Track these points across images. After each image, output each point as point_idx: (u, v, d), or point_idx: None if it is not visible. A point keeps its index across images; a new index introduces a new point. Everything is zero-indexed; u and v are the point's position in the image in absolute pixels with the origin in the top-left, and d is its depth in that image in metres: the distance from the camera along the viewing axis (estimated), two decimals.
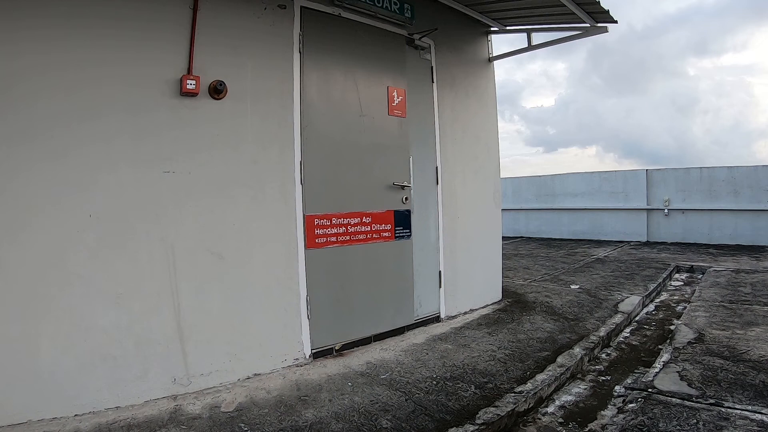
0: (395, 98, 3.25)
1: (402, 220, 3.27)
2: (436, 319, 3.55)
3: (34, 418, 1.94)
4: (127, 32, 2.17)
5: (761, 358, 2.62)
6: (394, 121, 3.25)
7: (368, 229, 3.09)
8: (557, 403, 2.38)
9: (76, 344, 2.05)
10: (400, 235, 3.26)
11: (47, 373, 1.98)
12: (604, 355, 3.04)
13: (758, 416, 1.98)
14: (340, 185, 2.96)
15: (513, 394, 2.28)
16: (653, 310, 4.13)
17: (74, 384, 2.03)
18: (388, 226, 3.20)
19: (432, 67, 3.56)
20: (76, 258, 2.06)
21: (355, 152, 3.04)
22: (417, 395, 2.29)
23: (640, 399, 2.22)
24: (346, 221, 2.97)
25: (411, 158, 3.33)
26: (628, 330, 3.55)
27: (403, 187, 3.26)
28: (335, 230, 2.91)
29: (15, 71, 1.92)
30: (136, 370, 2.18)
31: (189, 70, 2.31)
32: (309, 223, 2.78)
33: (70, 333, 2.04)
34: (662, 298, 4.59)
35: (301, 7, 2.76)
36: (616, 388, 2.52)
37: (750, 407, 2.06)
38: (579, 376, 2.71)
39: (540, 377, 2.48)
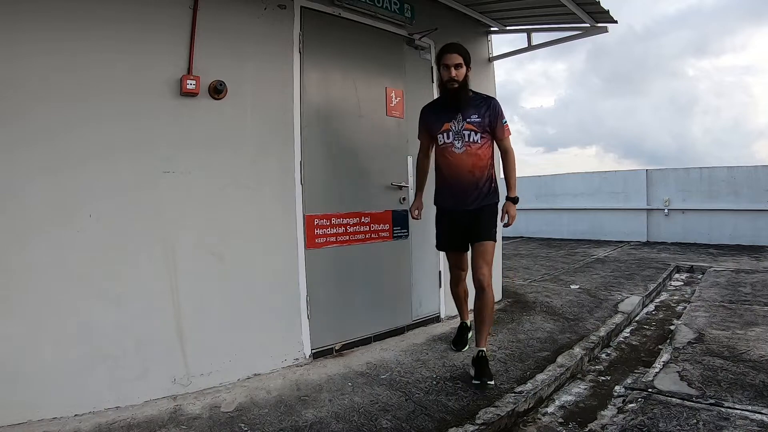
0: (393, 99, 3.26)
1: (400, 220, 3.28)
2: (436, 319, 3.55)
3: (34, 418, 1.94)
4: (127, 32, 2.16)
5: (761, 358, 2.63)
6: (393, 121, 3.26)
7: (367, 229, 3.09)
8: (557, 403, 2.38)
9: (76, 344, 2.04)
10: (398, 235, 3.28)
11: (47, 372, 1.98)
12: (604, 355, 3.04)
13: (758, 416, 1.98)
14: (340, 185, 2.97)
15: (513, 394, 2.28)
16: (653, 310, 4.13)
17: (74, 384, 2.03)
18: (386, 226, 3.20)
19: (432, 67, 3.55)
20: (76, 258, 2.05)
21: (355, 152, 3.05)
22: (417, 395, 2.29)
23: (640, 399, 2.22)
24: (345, 221, 2.97)
25: (409, 158, 3.32)
26: (628, 330, 3.55)
27: (400, 187, 3.28)
28: (335, 230, 2.92)
29: (14, 70, 1.92)
30: (136, 370, 2.18)
31: (189, 70, 2.31)
32: (309, 223, 2.78)
33: (70, 333, 2.03)
34: (662, 298, 4.60)
35: (301, 7, 2.76)
36: (616, 388, 2.52)
37: (750, 407, 2.06)
38: (579, 376, 2.71)
39: (540, 377, 2.48)
